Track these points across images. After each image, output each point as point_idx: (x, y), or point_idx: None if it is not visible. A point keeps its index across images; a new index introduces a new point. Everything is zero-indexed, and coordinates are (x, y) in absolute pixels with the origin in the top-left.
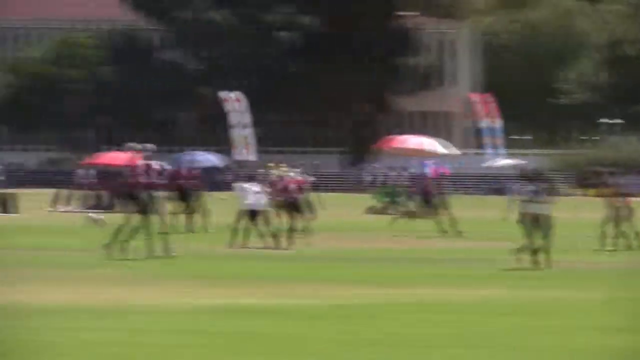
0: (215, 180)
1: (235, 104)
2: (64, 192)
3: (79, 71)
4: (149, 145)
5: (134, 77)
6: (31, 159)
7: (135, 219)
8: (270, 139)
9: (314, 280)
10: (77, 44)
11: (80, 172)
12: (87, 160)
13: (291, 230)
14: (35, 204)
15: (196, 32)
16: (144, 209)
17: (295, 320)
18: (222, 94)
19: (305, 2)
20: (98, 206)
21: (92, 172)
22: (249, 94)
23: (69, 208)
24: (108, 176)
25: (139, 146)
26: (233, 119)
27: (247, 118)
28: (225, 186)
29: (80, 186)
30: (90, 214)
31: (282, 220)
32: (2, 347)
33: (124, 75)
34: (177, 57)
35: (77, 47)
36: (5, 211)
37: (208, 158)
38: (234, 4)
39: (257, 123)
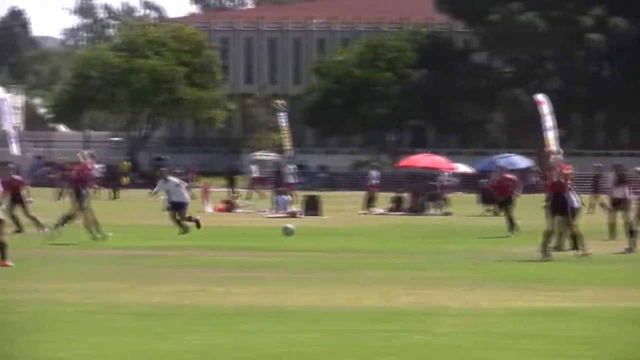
0: (528, 183)
1: (543, 106)
2: (373, 194)
3: (387, 74)
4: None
5: (443, 80)
6: (338, 161)
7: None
8: (575, 142)
9: (625, 284)
10: (385, 46)
11: (373, 173)
12: (398, 162)
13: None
14: (342, 206)
15: (507, 34)
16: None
17: (612, 323)
18: (534, 97)
19: (619, 3)
20: (401, 209)
21: (376, 173)
22: (556, 96)
23: (380, 210)
24: (417, 178)
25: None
26: (541, 121)
27: (552, 120)
28: (535, 189)
29: (372, 188)
30: (285, 225)
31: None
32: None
33: (434, 78)
34: (486, 59)
35: (385, 50)
36: (313, 213)
37: (518, 160)
38: (547, 6)
39: (563, 126)
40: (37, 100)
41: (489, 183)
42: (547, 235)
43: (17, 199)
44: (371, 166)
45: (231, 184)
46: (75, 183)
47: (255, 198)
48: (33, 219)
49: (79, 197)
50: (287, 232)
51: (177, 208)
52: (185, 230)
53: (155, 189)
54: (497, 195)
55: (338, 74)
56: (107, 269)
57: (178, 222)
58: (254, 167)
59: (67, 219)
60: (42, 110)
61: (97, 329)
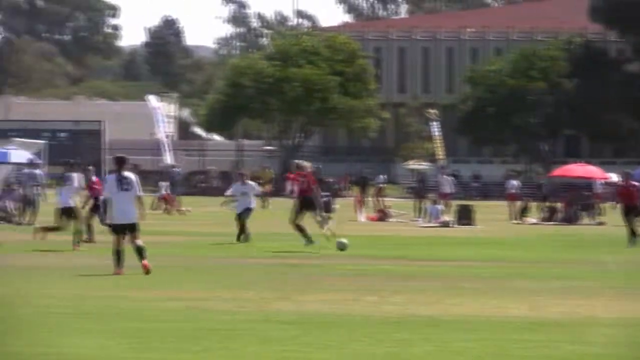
0: None
1: None
2: (527, 204)
3: (540, 83)
4: None
5: (596, 89)
6: (491, 171)
7: None
8: None
9: None
10: (539, 55)
11: (513, 183)
12: (551, 172)
13: None
14: (496, 216)
15: None
16: None
17: None
18: None
19: None
20: (555, 218)
21: (516, 183)
22: None
23: (533, 220)
24: (570, 188)
25: None
26: None
27: None
28: None
29: (512, 197)
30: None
31: None
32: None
33: (587, 87)
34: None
35: (538, 59)
36: (466, 223)
37: None
38: None
39: None
40: (187, 110)
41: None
42: None
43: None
44: (510, 175)
45: (362, 192)
46: (303, 193)
47: (408, 207)
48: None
49: (310, 206)
50: (341, 246)
51: (245, 213)
52: (244, 237)
53: (229, 192)
54: (621, 202)
55: (491, 83)
56: (259, 277)
57: (242, 227)
58: (382, 177)
59: (301, 230)
60: (192, 119)
61: (250, 338)
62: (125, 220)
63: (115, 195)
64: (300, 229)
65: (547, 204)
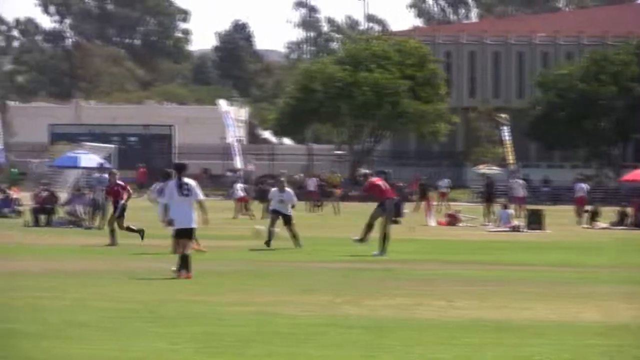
0: None
1: None
2: (597, 208)
3: (611, 87)
4: None
5: None
6: (562, 175)
7: None
8: None
9: None
10: (610, 60)
11: (582, 186)
12: (622, 176)
13: None
14: (565, 220)
15: None
16: None
17: None
18: None
19: None
20: (625, 223)
21: (584, 186)
22: None
23: (603, 224)
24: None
25: None
26: None
27: None
28: None
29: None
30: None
31: None
32: None
33: None
34: None
35: (610, 63)
36: (536, 227)
37: None
38: None
39: None
40: (256, 113)
41: None
42: None
43: (116, 206)
44: (579, 179)
45: (423, 198)
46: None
47: (478, 212)
48: (128, 229)
49: (385, 209)
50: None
51: (287, 219)
52: (298, 242)
53: (270, 196)
54: None
55: (562, 87)
56: (328, 281)
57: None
58: (446, 181)
59: (384, 238)
60: (258, 122)
61: (317, 341)
62: (184, 225)
63: (175, 201)
64: (385, 238)
65: (585, 207)
